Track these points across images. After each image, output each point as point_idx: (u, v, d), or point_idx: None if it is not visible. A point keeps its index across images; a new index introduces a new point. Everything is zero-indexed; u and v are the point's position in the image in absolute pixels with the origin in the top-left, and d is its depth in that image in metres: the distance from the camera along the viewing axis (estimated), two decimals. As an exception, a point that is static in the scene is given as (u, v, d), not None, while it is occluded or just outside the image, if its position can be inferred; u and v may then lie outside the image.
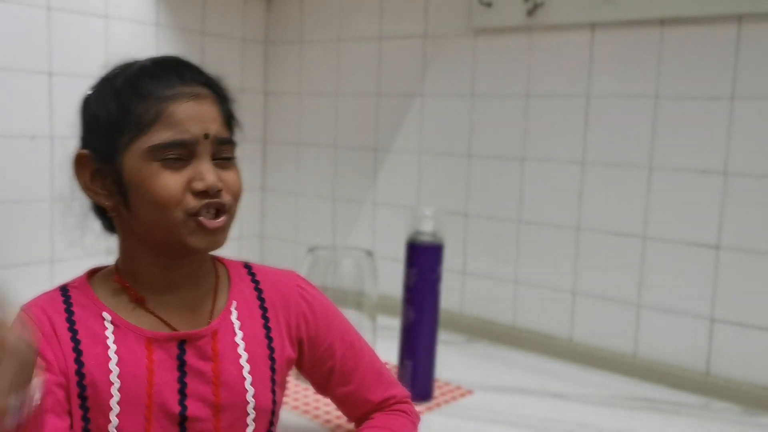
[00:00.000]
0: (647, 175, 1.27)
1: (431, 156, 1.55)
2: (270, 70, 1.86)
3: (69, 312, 0.74)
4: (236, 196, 0.77)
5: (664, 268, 1.26)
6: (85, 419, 0.72)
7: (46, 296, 0.76)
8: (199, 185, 0.72)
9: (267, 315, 0.82)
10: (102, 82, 0.77)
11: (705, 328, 1.22)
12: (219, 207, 0.74)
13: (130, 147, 0.72)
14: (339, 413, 0.94)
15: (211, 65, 1.87)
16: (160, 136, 0.72)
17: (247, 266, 0.86)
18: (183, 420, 0.74)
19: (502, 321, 1.46)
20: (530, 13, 1.35)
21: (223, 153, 0.76)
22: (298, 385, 1.16)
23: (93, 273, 0.80)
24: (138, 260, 0.77)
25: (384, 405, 0.89)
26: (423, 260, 1.11)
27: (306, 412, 1.07)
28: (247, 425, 0.78)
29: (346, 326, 0.90)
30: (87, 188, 0.76)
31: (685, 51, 1.21)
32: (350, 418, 0.92)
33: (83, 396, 0.71)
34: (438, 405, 1.12)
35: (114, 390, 0.72)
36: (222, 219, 0.75)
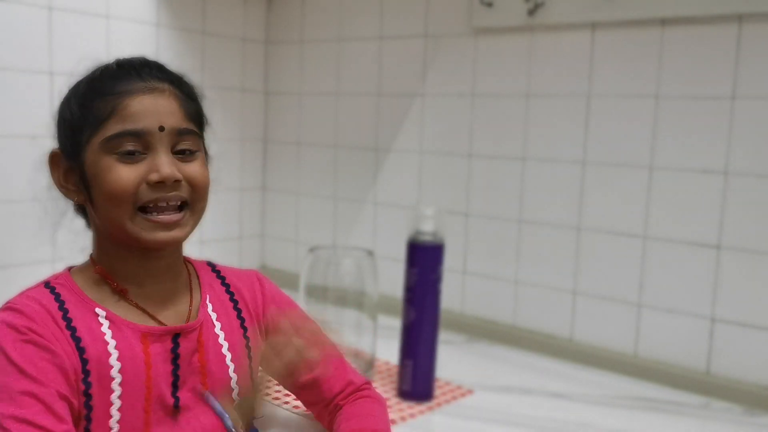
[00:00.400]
0: (648, 174, 1.27)
1: (432, 156, 1.55)
2: (270, 70, 1.86)
3: (63, 309, 0.73)
4: (199, 190, 0.77)
5: (664, 267, 1.26)
6: (88, 418, 0.71)
7: (35, 291, 0.75)
8: (154, 176, 0.73)
9: (238, 307, 0.85)
10: (71, 86, 0.79)
11: (705, 328, 1.22)
12: (181, 201, 0.75)
13: (89, 143, 0.74)
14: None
15: (211, 65, 1.88)
16: (113, 128, 0.73)
17: (210, 264, 0.89)
18: (176, 410, 0.76)
19: (503, 321, 1.46)
20: (531, 13, 1.35)
21: (184, 145, 0.76)
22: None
23: (71, 269, 0.80)
24: (112, 254, 0.78)
25: (347, 391, 0.90)
26: (424, 260, 1.11)
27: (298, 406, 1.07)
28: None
29: (306, 316, 0.93)
30: (60, 185, 0.78)
31: (685, 51, 1.21)
32: (314, 410, 0.93)
33: (87, 394, 0.71)
34: (438, 405, 1.12)
35: (115, 385, 0.72)
36: (178, 215, 0.75)
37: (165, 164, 0.73)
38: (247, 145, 1.85)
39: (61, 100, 0.80)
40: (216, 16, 1.72)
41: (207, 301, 0.83)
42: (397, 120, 1.60)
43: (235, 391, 0.81)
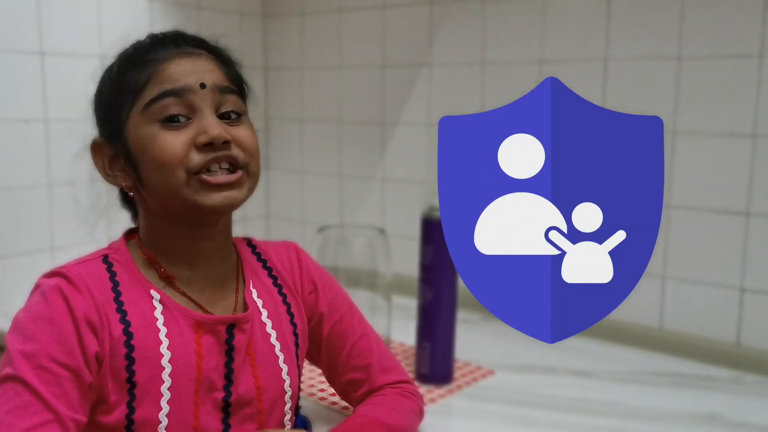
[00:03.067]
0: (671, 140, 1.21)
1: (441, 128, 1.50)
2: (269, 44, 1.80)
3: (116, 292, 0.70)
4: (250, 153, 0.73)
5: (690, 237, 1.21)
6: (130, 407, 0.68)
7: (90, 268, 0.70)
8: (202, 138, 0.69)
9: (283, 291, 0.81)
10: (105, 68, 0.76)
11: (735, 299, 1.17)
12: (230, 160, 0.71)
13: (129, 117, 0.71)
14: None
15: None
16: (152, 92, 0.70)
17: (248, 241, 0.85)
18: (227, 405, 0.72)
19: (520, 297, 1.42)
20: (542, -27, 1.29)
21: (228, 106, 0.73)
22: (312, 370, 1.12)
23: (128, 238, 0.77)
24: (163, 235, 0.74)
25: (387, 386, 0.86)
26: (440, 237, 1.05)
27: (323, 398, 1.03)
28: (285, 403, 0.77)
29: (349, 301, 0.88)
30: (105, 174, 0.75)
31: (708, 7, 1.15)
32: (353, 402, 0.89)
33: (132, 381, 0.68)
34: (459, 387, 1.07)
35: (165, 375, 0.69)
36: (236, 174, 0.71)
37: (213, 125, 0.70)
38: (248, 123, 1.79)
39: (96, 84, 0.76)
40: (211, -11, 1.66)
41: (251, 287, 0.78)
42: (404, 92, 1.55)
43: (287, 383, 0.76)
